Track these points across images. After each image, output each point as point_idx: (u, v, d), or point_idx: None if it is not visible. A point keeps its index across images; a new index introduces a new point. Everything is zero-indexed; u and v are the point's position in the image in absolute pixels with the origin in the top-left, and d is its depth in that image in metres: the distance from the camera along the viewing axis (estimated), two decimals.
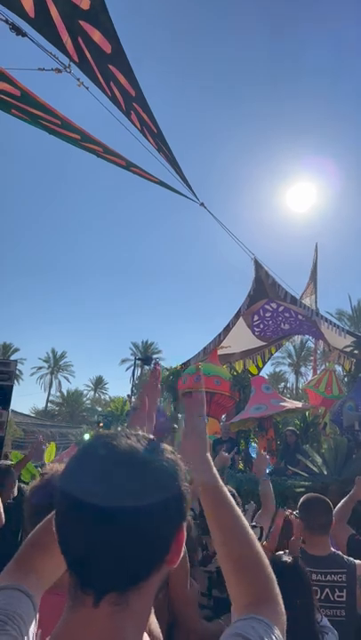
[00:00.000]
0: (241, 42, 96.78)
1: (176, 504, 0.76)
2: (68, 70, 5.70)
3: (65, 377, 62.20)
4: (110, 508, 0.68)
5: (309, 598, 2.23)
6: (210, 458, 1.08)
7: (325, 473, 6.99)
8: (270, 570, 0.99)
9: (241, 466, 10.66)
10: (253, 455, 4.39)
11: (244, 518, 1.03)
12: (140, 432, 0.81)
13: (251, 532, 1.02)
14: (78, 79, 5.95)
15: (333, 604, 2.64)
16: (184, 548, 0.94)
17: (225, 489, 1.05)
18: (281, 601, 0.96)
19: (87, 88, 6.08)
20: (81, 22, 5.31)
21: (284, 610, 0.95)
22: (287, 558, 2.38)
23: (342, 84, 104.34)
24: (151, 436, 0.81)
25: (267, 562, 1.00)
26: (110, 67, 5.91)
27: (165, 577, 0.78)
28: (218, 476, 1.06)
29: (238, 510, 1.03)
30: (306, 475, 7.26)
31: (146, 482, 0.73)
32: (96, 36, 5.41)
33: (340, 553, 2.90)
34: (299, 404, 11.80)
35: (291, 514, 3.48)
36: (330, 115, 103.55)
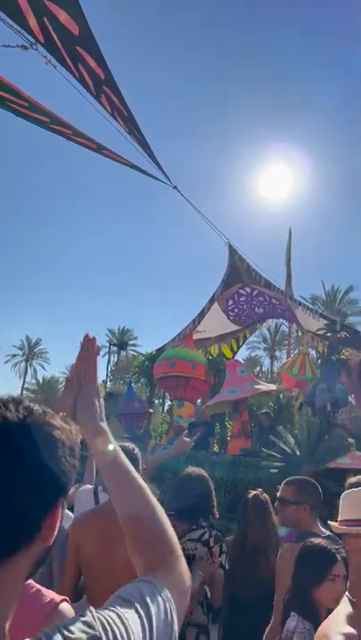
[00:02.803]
0: (216, 27, 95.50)
1: (50, 480, 0.72)
2: (34, 48, 5.55)
3: (40, 364, 61.86)
4: None
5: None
6: (104, 426, 1.04)
7: (298, 453, 7.09)
8: (171, 534, 0.96)
9: (216, 448, 10.81)
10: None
11: (145, 485, 1.00)
12: (27, 402, 0.74)
13: (152, 498, 0.99)
14: (45, 57, 5.80)
15: None
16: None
17: (122, 455, 1.02)
18: (181, 568, 0.93)
19: (55, 67, 5.93)
20: (46, 2, 5.17)
21: (183, 576, 0.92)
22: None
23: (315, 69, 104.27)
24: (36, 407, 0.75)
25: (167, 525, 0.97)
26: (78, 48, 5.77)
27: (41, 555, 0.74)
28: (114, 443, 1.03)
29: (136, 476, 1.01)
30: (279, 456, 7.36)
31: (13, 456, 0.68)
32: (62, 16, 5.27)
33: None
34: (273, 387, 11.94)
35: (262, 493, 3.49)
36: (301, 98, 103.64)
